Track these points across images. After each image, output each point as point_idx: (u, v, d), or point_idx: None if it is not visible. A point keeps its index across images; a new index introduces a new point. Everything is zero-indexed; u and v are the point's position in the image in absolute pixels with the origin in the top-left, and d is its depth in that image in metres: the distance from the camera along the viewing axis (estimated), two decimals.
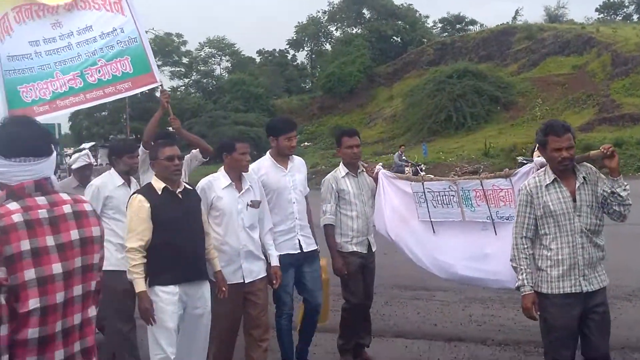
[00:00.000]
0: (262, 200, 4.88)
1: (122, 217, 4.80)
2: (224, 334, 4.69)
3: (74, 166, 6.21)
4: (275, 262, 4.83)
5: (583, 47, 37.39)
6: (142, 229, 4.13)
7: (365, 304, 5.35)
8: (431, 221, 5.20)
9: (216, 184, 4.67)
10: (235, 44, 58.10)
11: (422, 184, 5.24)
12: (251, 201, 4.72)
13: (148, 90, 6.23)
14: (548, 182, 3.86)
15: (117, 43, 5.90)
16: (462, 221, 5.03)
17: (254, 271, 4.72)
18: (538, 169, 4.24)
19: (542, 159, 4.24)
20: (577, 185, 3.84)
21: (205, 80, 50.74)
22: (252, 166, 4.93)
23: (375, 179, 5.42)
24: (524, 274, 3.90)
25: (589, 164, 3.97)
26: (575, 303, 3.82)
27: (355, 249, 5.20)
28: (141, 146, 5.54)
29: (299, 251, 5.03)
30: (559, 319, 3.83)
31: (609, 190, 3.82)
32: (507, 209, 4.71)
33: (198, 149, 5.75)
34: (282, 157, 5.10)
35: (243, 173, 4.76)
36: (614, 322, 6.06)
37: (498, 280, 4.81)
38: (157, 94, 6.79)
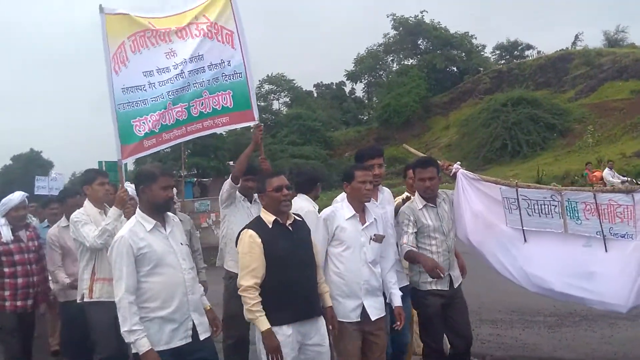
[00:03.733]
0: (387, 235, 4.69)
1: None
2: None
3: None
4: (398, 301, 4.59)
5: None
6: (256, 265, 3.99)
7: (457, 346, 4.89)
8: (523, 229, 4.87)
9: (339, 214, 4.49)
10: (294, 80, 59.67)
11: (516, 190, 4.88)
12: (375, 235, 4.51)
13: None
14: None
15: (222, 76, 5.75)
16: (562, 233, 4.70)
17: (374, 309, 4.46)
18: None
19: None
20: None
21: (264, 116, 52.20)
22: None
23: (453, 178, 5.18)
24: None
25: None
26: None
27: (435, 287, 4.83)
28: (229, 180, 5.59)
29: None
30: None
31: None
32: (624, 227, 4.40)
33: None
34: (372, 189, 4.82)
35: (367, 205, 4.57)
36: (610, 339, 6.60)
37: (604, 302, 4.52)
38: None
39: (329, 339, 4.26)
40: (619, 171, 23.83)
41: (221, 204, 5.72)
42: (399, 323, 4.52)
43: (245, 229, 4.14)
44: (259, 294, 3.97)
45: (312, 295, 4.16)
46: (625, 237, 4.37)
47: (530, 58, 51.18)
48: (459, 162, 5.31)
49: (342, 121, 57.15)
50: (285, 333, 3.96)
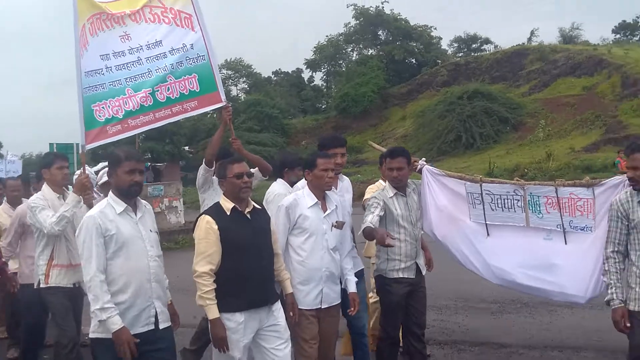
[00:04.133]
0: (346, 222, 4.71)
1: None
2: None
3: (100, 182, 6.09)
4: (353, 287, 4.61)
5: (594, 68, 37.77)
6: (211, 251, 3.94)
7: (415, 334, 4.94)
8: (486, 223, 4.99)
9: (302, 203, 4.47)
10: (252, 66, 59.34)
11: (480, 185, 5.00)
12: (336, 222, 4.54)
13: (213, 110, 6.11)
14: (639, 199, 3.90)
15: (186, 60, 5.73)
16: (524, 227, 4.83)
17: (331, 296, 4.52)
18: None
19: None
20: None
21: None
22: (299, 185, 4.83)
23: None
24: (615, 288, 3.93)
25: None
26: None
27: (402, 275, 4.86)
28: (204, 164, 5.53)
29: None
30: None
31: None
32: (584, 220, 4.54)
33: (257, 168, 5.66)
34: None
35: (327, 192, 4.57)
36: (548, 325, 6.81)
37: (564, 293, 4.64)
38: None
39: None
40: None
41: (199, 189, 5.66)
42: (352, 309, 4.54)
43: (203, 215, 4.11)
44: (214, 281, 3.92)
45: (267, 283, 4.13)
46: (585, 229, 4.51)
47: (488, 52, 51.99)
48: (424, 158, 5.36)
49: (300, 109, 57.16)
50: (237, 320, 3.93)
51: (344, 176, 5.13)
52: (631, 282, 3.90)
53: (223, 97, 5.79)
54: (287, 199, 4.52)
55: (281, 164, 5.38)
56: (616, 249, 3.95)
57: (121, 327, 3.65)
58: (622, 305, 3.88)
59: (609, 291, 3.94)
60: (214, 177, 5.58)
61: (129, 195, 3.91)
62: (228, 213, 4.06)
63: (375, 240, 4.53)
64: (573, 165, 24.82)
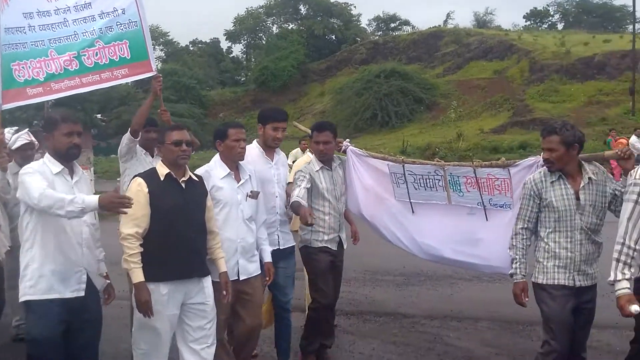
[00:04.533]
0: (265, 193, 4.67)
1: None
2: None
3: (14, 147, 5.75)
4: (268, 257, 4.58)
5: (505, 53, 39.31)
6: (140, 214, 3.81)
7: (334, 302, 5.08)
8: (410, 202, 5.06)
9: (214, 174, 4.36)
10: (169, 33, 57.83)
11: (403, 165, 5.05)
12: (251, 191, 4.48)
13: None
14: (554, 179, 3.95)
15: (117, 25, 5.48)
16: (447, 204, 4.93)
17: (249, 268, 4.44)
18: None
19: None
20: (582, 185, 3.92)
21: None
22: None
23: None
24: (518, 263, 4.03)
25: (597, 164, 4.08)
26: (569, 296, 3.91)
27: (325, 245, 4.92)
28: (128, 133, 5.30)
29: (277, 247, 4.81)
30: (555, 310, 3.92)
31: (621, 189, 3.90)
32: (502, 198, 4.66)
33: None
34: (268, 148, 4.85)
35: (240, 162, 4.50)
36: (449, 297, 7.13)
37: (490, 266, 4.78)
38: None
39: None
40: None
41: (120, 158, 5.45)
42: (267, 279, 4.53)
43: (135, 177, 4.01)
44: (141, 246, 3.82)
45: (195, 256, 4.00)
46: (504, 207, 4.65)
47: (405, 32, 52.91)
48: (348, 140, 5.35)
49: (219, 81, 56.35)
50: (160, 291, 3.82)
51: (280, 150, 5.02)
52: (539, 257, 4.02)
53: (154, 66, 5.63)
54: (198, 171, 4.39)
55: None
56: (525, 225, 4.05)
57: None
58: (524, 279, 4.01)
59: (513, 265, 4.06)
60: (138, 147, 5.44)
61: (67, 157, 3.81)
62: (162, 178, 3.96)
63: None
64: (481, 145, 25.87)
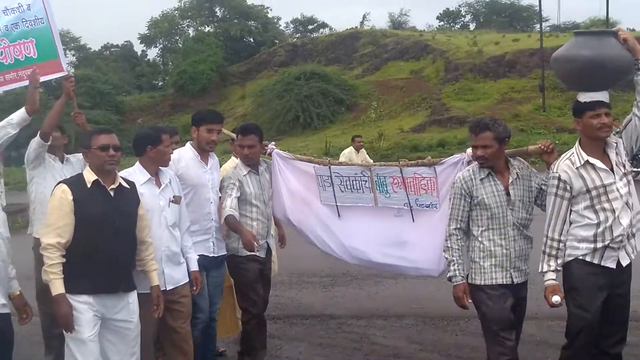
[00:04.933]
0: (202, 199, 4.61)
1: None
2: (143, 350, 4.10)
3: None
4: (195, 266, 4.47)
5: (420, 53, 40.20)
6: (62, 224, 3.65)
7: (264, 308, 5.03)
8: (337, 205, 5.02)
9: (133, 180, 4.15)
10: (80, 38, 55.93)
11: (329, 167, 5.02)
12: (173, 197, 4.35)
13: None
14: (483, 176, 3.98)
15: (22, 22, 5.21)
16: (373, 207, 4.91)
17: (175, 277, 4.33)
18: (470, 160, 4.34)
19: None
20: (510, 180, 3.97)
21: None
22: (172, 156, 4.56)
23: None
24: (456, 265, 3.98)
25: (522, 159, 4.16)
26: (507, 294, 3.94)
27: (254, 253, 4.72)
28: (38, 137, 5.01)
29: (212, 255, 4.74)
30: (495, 310, 3.92)
31: (545, 183, 3.98)
32: (429, 197, 4.68)
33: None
34: (203, 152, 4.74)
35: (161, 167, 4.38)
36: (375, 296, 7.21)
37: (417, 268, 4.82)
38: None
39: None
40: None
41: (27, 165, 5.17)
42: (195, 288, 4.41)
43: (60, 184, 3.81)
44: (62, 256, 3.64)
45: (121, 270, 3.84)
46: (431, 207, 4.69)
47: (323, 34, 53.32)
48: (273, 142, 5.32)
49: (135, 85, 54.95)
50: (83, 300, 3.65)
51: (214, 154, 4.95)
52: (475, 257, 4.02)
53: (65, 65, 5.39)
54: None
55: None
56: (458, 225, 4.02)
57: None
58: (464, 281, 3.99)
59: (451, 268, 4.01)
60: (47, 152, 5.18)
61: None
62: (89, 185, 3.77)
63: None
64: (402, 144, 26.37)
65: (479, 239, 4.00)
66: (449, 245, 4.05)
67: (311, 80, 37.01)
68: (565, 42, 4.26)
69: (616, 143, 3.87)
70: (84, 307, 3.66)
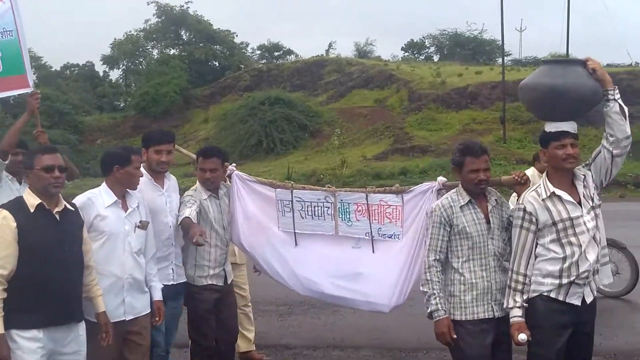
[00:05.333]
0: (160, 223, 4.39)
1: None
2: None
3: None
4: (158, 295, 4.24)
5: (385, 82, 40.61)
6: (4, 254, 3.38)
7: (226, 340, 4.84)
8: (295, 232, 4.85)
9: (98, 202, 3.97)
10: (42, 57, 54.99)
11: (291, 192, 4.86)
12: (140, 222, 4.12)
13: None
14: (463, 204, 3.84)
15: None
16: (333, 235, 4.76)
17: (137, 307, 4.08)
18: (440, 189, 4.30)
19: (444, 179, 4.37)
20: (489, 208, 3.86)
21: None
22: None
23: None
24: (438, 299, 3.77)
25: (493, 189, 4.05)
26: (488, 329, 3.78)
27: (211, 282, 4.66)
28: None
29: (171, 282, 4.52)
30: (475, 347, 3.75)
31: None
32: (392, 227, 4.53)
33: None
34: (156, 174, 4.55)
35: (129, 190, 4.15)
36: (332, 325, 7.05)
37: (370, 303, 4.63)
38: None
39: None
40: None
41: None
42: (157, 319, 4.19)
43: (0, 209, 3.52)
44: (5, 290, 3.36)
45: (72, 299, 3.60)
46: (393, 237, 4.54)
47: (289, 61, 53.52)
48: (234, 164, 5.16)
49: (96, 106, 54.18)
50: (33, 337, 3.39)
51: (171, 175, 4.75)
52: (454, 291, 3.82)
53: (31, 81, 5.14)
54: (79, 198, 3.99)
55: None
56: (438, 257, 3.83)
57: None
58: (447, 315, 3.79)
59: (432, 302, 3.78)
60: (4, 172, 4.93)
61: None
62: (32, 210, 3.51)
63: None
64: (364, 172, 26.45)
65: (460, 270, 3.82)
66: (429, 278, 3.82)
67: (275, 105, 37.00)
68: (526, 75, 4.22)
69: (584, 175, 3.78)
70: (31, 347, 3.39)
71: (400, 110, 36.62)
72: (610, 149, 3.75)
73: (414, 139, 31.93)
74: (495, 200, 3.93)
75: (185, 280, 4.65)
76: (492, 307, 3.78)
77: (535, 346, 3.66)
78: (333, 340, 6.55)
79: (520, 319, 3.64)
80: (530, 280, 3.68)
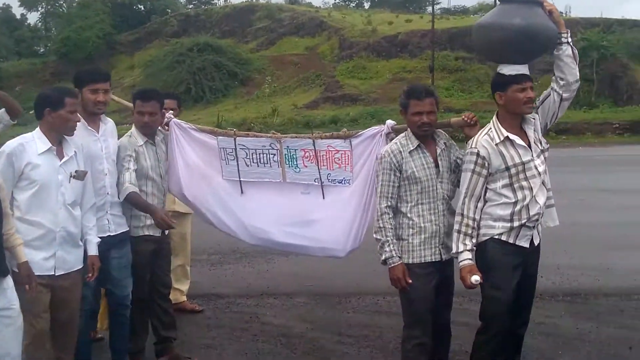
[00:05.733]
0: (96, 171, 4.07)
1: None
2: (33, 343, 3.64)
3: None
4: (94, 249, 3.96)
5: (316, 29, 40.24)
6: None
7: (161, 293, 4.63)
8: (240, 180, 4.71)
9: (30, 149, 3.66)
10: None
11: (234, 139, 4.67)
12: (76, 171, 3.83)
13: None
14: (412, 148, 3.75)
15: None
16: (281, 182, 4.63)
17: (69, 261, 3.81)
18: (389, 132, 4.17)
19: (393, 122, 4.21)
20: (438, 152, 3.79)
21: None
22: None
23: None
24: (392, 245, 3.73)
25: (442, 131, 3.95)
26: (434, 273, 3.75)
27: (148, 233, 4.41)
28: None
29: (108, 234, 4.19)
30: (420, 290, 3.71)
31: (462, 158, 3.79)
32: (341, 172, 4.44)
33: (4, 109, 4.64)
34: (91, 117, 4.13)
35: (66, 136, 3.83)
36: (266, 273, 6.99)
37: (324, 249, 4.55)
38: None
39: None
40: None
41: None
42: (90, 275, 3.91)
43: None
44: None
45: None
46: (343, 182, 4.44)
47: (218, 6, 52.08)
48: (171, 111, 4.84)
49: (14, 51, 51.46)
50: None
51: (108, 118, 4.36)
52: (403, 234, 3.77)
53: None
54: (9, 143, 3.66)
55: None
56: (389, 203, 3.75)
57: None
58: (401, 261, 3.72)
59: (386, 249, 3.72)
60: None
61: None
62: None
63: None
64: (295, 120, 26.34)
65: (408, 215, 3.76)
66: (382, 225, 3.75)
67: (204, 52, 36.20)
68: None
69: (534, 119, 3.76)
70: None
71: (331, 58, 36.46)
72: (560, 92, 3.74)
73: (344, 87, 31.98)
74: (445, 143, 3.86)
75: (127, 229, 4.36)
76: (439, 250, 3.77)
77: (491, 289, 3.67)
78: (267, 289, 6.49)
79: (471, 261, 3.62)
80: (478, 225, 3.68)
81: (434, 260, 3.75)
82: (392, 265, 3.72)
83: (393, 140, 3.96)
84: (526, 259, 3.72)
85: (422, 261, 3.74)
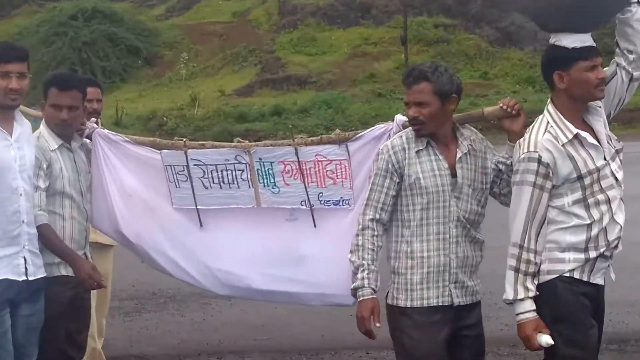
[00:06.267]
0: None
1: None
2: None
3: None
4: None
5: None
6: None
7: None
8: (197, 209, 4.65)
9: None
10: None
11: (185, 153, 4.59)
12: None
13: None
14: (421, 147, 3.69)
15: None
16: (254, 208, 4.59)
17: None
18: (399, 132, 3.99)
19: (404, 119, 4.05)
20: (458, 156, 3.70)
21: None
22: None
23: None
24: (367, 272, 3.61)
25: (473, 128, 3.90)
26: (443, 321, 3.65)
27: (65, 272, 4.26)
28: None
29: (23, 278, 4.03)
30: (422, 344, 3.62)
31: (508, 162, 3.73)
32: (338, 190, 4.39)
33: None
34: (2, 112, 4.10)
35: None
36: (202, 325, 6.99)
37: (323, 295, 4.49)
38: None
39: None
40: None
41: None
42: None
43: None
44: None
45: None
46: (340, 204, 4.40)
47: None
48: (94, 119, 4.80)
49: None
50: None
51: (24, 118, 4.33)
52: (399, 267, 3.72)
53: None
54: None
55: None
56: (378, 216, 3.68)
57: None
58: (374, 296, 3.61)
59: (359, 275, 3.62)
60: None
61: None
62: None
63: None
64: (224, 112, 26.39)
65: (408, 238, 3.67)
66: (360, 244, 3.66)
67: (93, 20, 35.78)
68: None
69: (600, 107, 3.67)
70: None
71: (268, 27, 36.55)
72: (630, 69, 3.71)
73: (288, 66, 32.09)
74: (470, 145, 3.76)
75: (45, 275, 4.22)
76: (449, 291, 3.66)
77: (568, 347, 3.49)
78: (206, 345, 6.48)
79: (534, 314, 3.46)
80: (541, 259, 3.55)
81: (440, 304, 3.66)
82: (362, 298, 3.61)
83: (398, 133, 3.92)
84: (599, 300, 3.66)
85: (425, 304, 3.66)
